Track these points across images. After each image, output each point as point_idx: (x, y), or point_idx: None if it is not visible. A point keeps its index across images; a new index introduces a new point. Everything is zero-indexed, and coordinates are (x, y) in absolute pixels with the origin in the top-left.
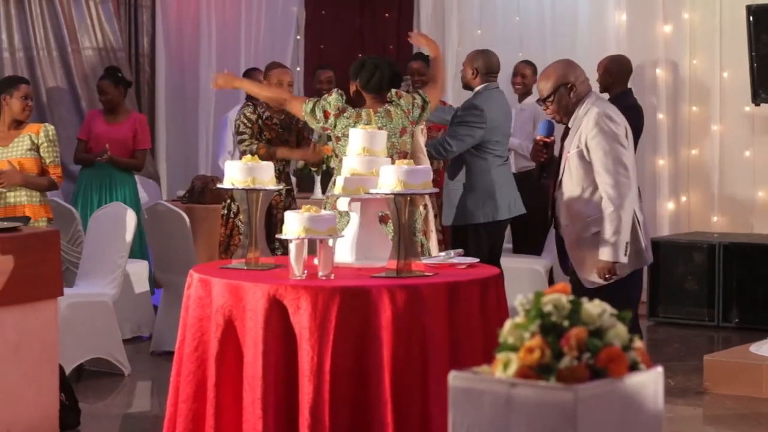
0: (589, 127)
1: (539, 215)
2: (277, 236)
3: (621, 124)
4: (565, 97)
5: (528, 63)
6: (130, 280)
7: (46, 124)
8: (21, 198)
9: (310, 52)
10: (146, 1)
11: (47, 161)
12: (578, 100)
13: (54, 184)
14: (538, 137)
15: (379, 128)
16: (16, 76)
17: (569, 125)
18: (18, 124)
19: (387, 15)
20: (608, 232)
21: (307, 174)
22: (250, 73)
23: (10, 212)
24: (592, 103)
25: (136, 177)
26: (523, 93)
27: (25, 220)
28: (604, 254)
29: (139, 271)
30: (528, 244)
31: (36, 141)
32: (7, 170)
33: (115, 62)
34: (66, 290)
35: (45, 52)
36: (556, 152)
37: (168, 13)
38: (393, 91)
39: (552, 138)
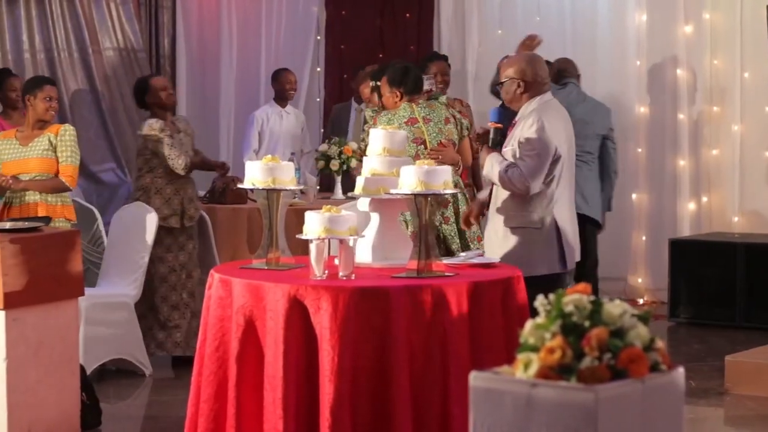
0: (525, 129)
1: None
2: (297, 236)
3: (551, 141)
4: (513, 90)
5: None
6: None
7: (67, 124)
8: (36, 196)
9: (330, 53)
10: (167, 2)
11: (60, 161)
12: (526, 97)
13: (62, 185)
14: (489, 123)
15: (425, 117)
16: (41, 77)
17: (516, 120)
18: (42, 125)
19: (407, 15)
20: (489, 167)
21: (327, 174)
22: (277, 74)
23: (24, 211)
24: (537, 105)
25: None
26: None
27: (46, 220)
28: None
29: None
30: None
31: (54, 141)
32: (11, 178)
33: (136, 63)
34: (87, 290)
35: (66, 53)
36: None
37: (189, 14)
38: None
39: (501, 125)
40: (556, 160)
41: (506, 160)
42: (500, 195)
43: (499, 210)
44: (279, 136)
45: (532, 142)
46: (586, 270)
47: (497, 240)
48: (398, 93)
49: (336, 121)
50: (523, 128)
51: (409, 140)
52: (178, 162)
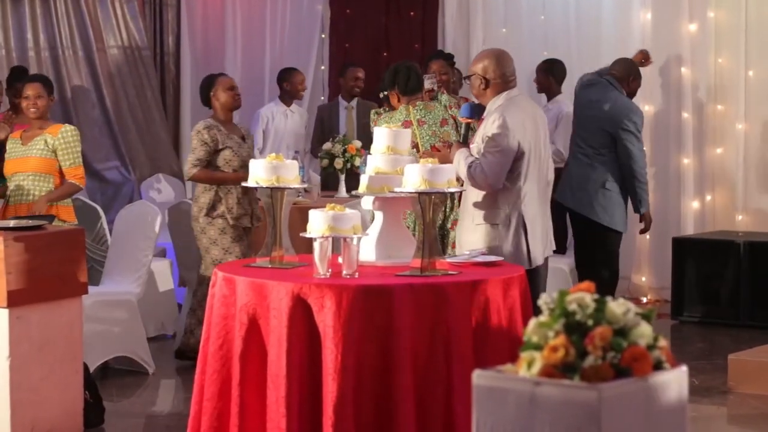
0: (488, 125)
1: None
2: (301, 234)
3: (513, 137)
4: (477, 85)
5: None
6: (154, 278)
7: (66, 125)
8: (32, 197)
9: (335, 51)
10: (171, 0)
11: (65, 164)
12: (490, 93)
13: (75, 187)
14: (460, 118)
15: (419, 120)
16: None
17: (484, 116)
18: (41, 124)
19: (412, 14)
20: (456, 163)
21: (331, 173)
22: (289, 73)
23: (21, 211)
24: (502, 104)
25: (161, 175)
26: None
27: (50, 218)
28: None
29: (163, 270)
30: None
31: (52, 143)
32: (34, 205)
33: (140, 61)
34: (91, 288)
35: (70, 51)
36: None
37: (193, 12)
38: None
39: (472, 120)
40: (520, 156)
41: (472, 156)
42: (469, 191)
43: (468, 207)
44: (283, 135)
45: (493, 138)
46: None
47: (466, 236)
48: (395, 94)
49: (326, 119)
50: (487, 124)
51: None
52: (185, 168)
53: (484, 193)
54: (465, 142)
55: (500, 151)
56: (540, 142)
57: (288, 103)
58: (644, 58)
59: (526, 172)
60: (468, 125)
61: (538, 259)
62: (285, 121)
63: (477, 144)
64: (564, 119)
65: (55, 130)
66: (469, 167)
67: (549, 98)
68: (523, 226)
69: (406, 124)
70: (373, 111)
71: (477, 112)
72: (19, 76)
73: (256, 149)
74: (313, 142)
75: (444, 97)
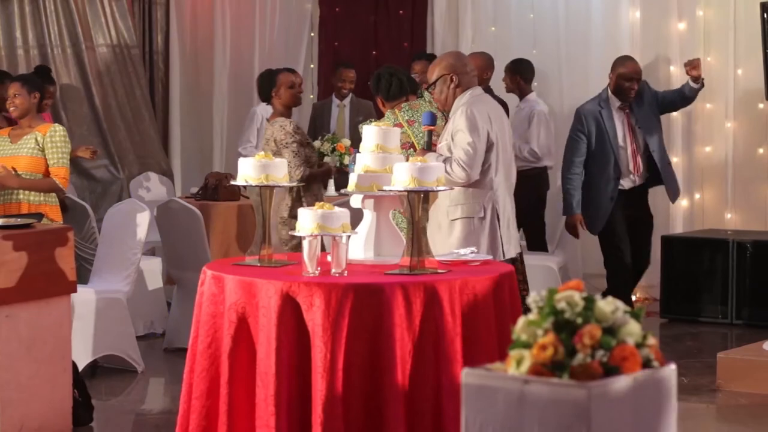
0: (457, 123)
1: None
2: (290, 233)
3: (482, 130)
4: (446, 88)
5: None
6: (144, 276)
7: (56, 125)
8: (20, 196)
9: (324, 50)
10: None
11: (50, 163)
12: (459, 91)
13: (55, 186)
14: (423, 127)
15: (408, 120)
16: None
17: (450, 116)
18: (30, 122)
19: (401, 12)
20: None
21: None
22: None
23: (7, 210)
24: (467, 100)
25: (150, 173)
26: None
27: (39, 216)
28: None
29: (153, 268)
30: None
31: (41, 141)
32: (3, 174)
33: (129, 59)
34: (79, 287)
35: (59, 49)
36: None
37: (182, 10)
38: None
39: (434, 127)
40: (490, 146)
41: (441, 155)
42: (439, 193)
43: (441, 205)
44: None
45: (464, 130)
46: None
47: (440, 233)
48: (380, 100)
49: (318, 117)
50: (454, 120)
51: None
52: (295, 173)
53: (457, 189)
54: (429, 149)
55: (472, 141)
56: (505, 136)
57: None
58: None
59: (496, 165)
60: (430, 132)
61: (510, 252)
62: None
63: (447, 142)
64: (537, 118)
65: (45, 129)
66: (444, 165)
67: (521, 98)
68: (497, 218)
69: (396, 126)
70: (360, 125)
71: (437, 118)
72: (43, 75)
73: (249, 145)
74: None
75: (427, 94)
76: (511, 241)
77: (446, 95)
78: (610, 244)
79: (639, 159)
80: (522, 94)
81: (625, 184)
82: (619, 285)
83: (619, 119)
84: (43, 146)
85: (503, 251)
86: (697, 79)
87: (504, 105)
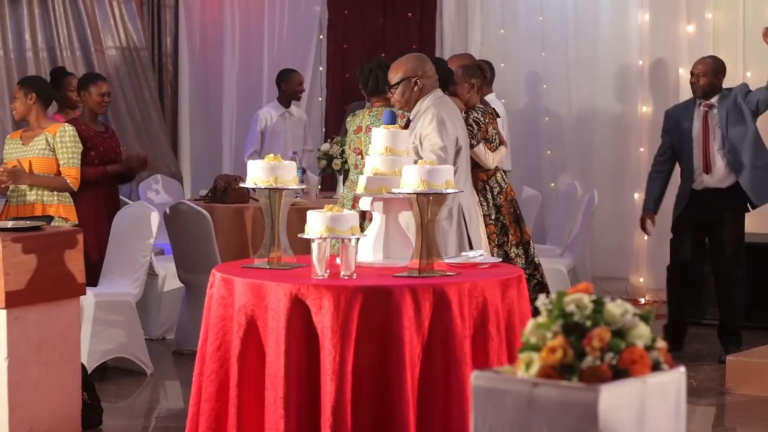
0: (425, 125)
1: None
2: (299, 236)
3: (451, 133)
4: (409, 89)
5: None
6: (157, 280)
7: (66, 125)
8: (33, 197)
9: (332, 52)
10: (169, 1)
11: (61, 163)
12: (421, 94)
13: (66, 185)
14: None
15: (367, 126)
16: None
17: (411, 118)
18: (42, 122)
19: (410, 15)
20: None
21: (329, 173)
22: (287, 74)
23: (21, 211)
24: (432, 102)
25: (159, 176)
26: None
27: (48, 219)
28: None
29: (171, 270)
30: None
31: (51, 142)
32: (14, 168)
33: (138, 62)
34: (88, 289)
35: (68, 51)
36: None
37: (191, 13)
38: None
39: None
40: (458, 150)
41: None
42: None
43: None
44: (282, 137)
45: (434, 134)
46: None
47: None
48: (366, 94)
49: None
50: (423, 124)
51: (351, 149)
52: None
53: None
54: None
55: (444, 147)
56: (466, 139)
57: (286, 105)
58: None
59: (461, 167)
60: None
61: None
62: (283, 123)
63: (413, 144)
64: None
65: (55, 129)
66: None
67: (480, 100)
68: (463, 218)
69: (357, 130)
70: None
71: (396, 119)
72: (61, 76)
73: (253, 151)
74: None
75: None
76: (481, 243)
77: (407, 97)
78: (670, 242)
79: (712, 159)
80: (482, 94)
81: (698, 184)
82: (667, 284)
83: (699, 118)
84: (54, 146)
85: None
86: None
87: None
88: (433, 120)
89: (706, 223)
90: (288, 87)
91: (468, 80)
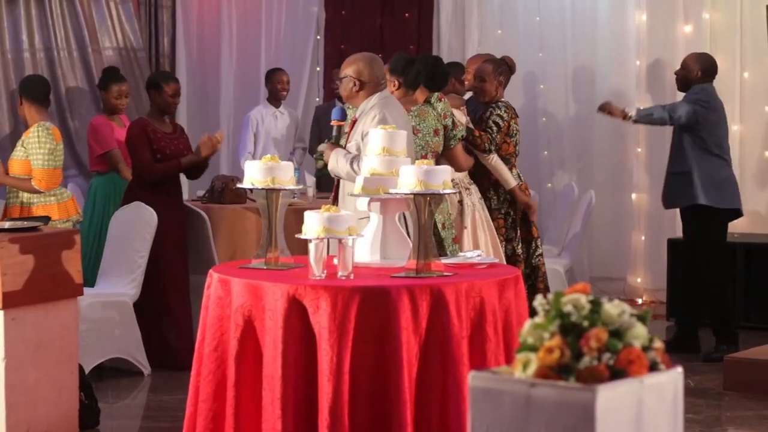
0: (367, 123)
1: None
2: (296, 236)
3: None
4: (350, 87)
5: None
6: None
7: (40, 123)
8: (14, 199)
9: (330, 53)
10: (167, 1)
11: (32, 165)
12: (363, 95)
13: (31, 188)
14: (332, 121)
15: (414, 128)
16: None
17: (356, 116)
18: (31, 123)
19: (407, 15)
20: (334, 162)
21: (326, 174)
22: (271, 74)
23: (17, 213)
24: (376, 101)
25: None
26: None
27: (45, 219)
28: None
29: None
30: None
31: (26, 143)
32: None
33: (136, 62)
34: (86, 290)
35: (65, 52)
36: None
37: (188, 14)
38: (436, 94)
39: (343, 122)
40: None
41: (351, 153)
42: (348, 189)
43: (350, 206)
44: (274, 136)
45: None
46: None
47: None
48: (396, 82)
49: (321, 120)
50: (366, 122)
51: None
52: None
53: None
54: (337, 143)
55: None
56: (411, 137)
57: (276, 105)
58: None
59: None
60: (340, 128)
61: None
62: (275, 123)
63: (356, 141)
64: None
65: (30, 129)
66: (351, 162)
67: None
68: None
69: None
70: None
71: (347, 115)
72: (109, 80)
73: (246, 153)
74: (311, 143)
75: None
76: None
77: (348, 95)
78: None
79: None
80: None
81: None
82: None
83: None
84: (26, 147)
85: None
86: (626, 116)
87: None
88: (375, 119)
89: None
90: (271, 86)
91: (497, 77)
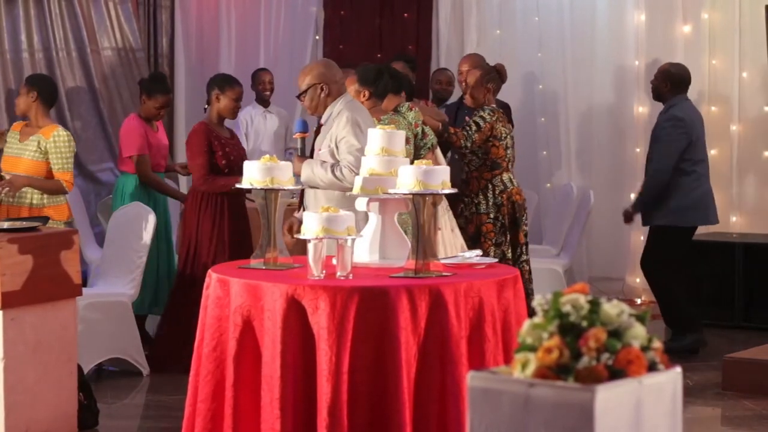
0: (340, 128)
1: None
2: (295, 236)
3: (366, 135)
4: (316, 96)
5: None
6: None
7: (59, 129)
8: (23, 199)
9: (329, 53)
10: (165, 2)
11: (55, 168)
12: (330, 99)
13: (62, 188)
14: (294, 134)
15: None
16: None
17: (322, 122)
18: (40, 121)
19: (406, 15)
20: (309, 172)
21: None
22: (255, 74)
23: (11, 212)
24: (344, 105)
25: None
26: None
27: (44, 220)
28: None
29: None
30: None
31: (44, 145)
32: (10, 179)
33: (135, 63)
34: (84, 290)
35: (64, 52)
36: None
37: (187, 14)
38: (407, 104)
39: (307, 134)
40: None
41: (326, 162)
42: (321, 197)
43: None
44: (264, 136)
45: (350, 136)
46: None
47: None
48: (367, 92)
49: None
50: (338, 127)
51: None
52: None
53: (338, 193)
54: (304, 155)
55: (360, 147)
56: None
57: (265, 105)
58: None
59: None
60: (303, 140)
61: None
62: (264, 122)
63: (329, 148)
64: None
65: (49, 133)
66: (331, 171)
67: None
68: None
69: None
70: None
71: (308, 127)
72: (161, 87)
73: None
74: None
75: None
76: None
77: (317, 103)
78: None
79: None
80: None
81: None
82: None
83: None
84: (46, 150)
85: None
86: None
87: (507, 107)
88: (348, 123)
89: None
90: (255, 87)
91: (485, 84)
